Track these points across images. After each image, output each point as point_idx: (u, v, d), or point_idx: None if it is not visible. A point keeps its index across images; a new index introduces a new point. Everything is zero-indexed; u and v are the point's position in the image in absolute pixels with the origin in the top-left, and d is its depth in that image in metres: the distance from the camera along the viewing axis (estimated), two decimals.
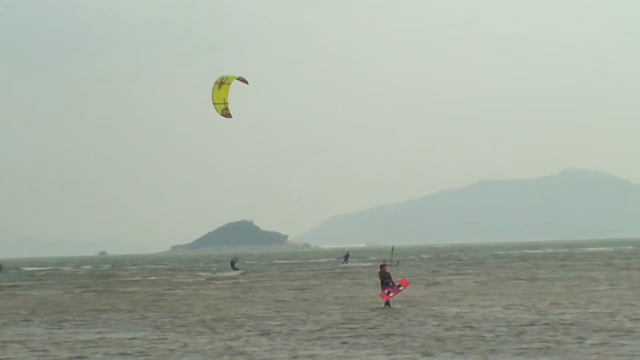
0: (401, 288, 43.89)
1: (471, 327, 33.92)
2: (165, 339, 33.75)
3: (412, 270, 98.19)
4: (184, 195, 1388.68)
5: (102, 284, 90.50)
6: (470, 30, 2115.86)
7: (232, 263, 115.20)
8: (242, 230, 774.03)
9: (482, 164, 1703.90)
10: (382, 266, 44.84)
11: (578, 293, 51.43)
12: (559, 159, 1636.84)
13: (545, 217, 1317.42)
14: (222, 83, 36.38)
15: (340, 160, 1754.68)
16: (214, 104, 36.32)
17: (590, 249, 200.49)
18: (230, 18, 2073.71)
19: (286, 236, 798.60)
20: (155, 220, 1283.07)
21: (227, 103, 36.27)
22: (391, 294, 43.54)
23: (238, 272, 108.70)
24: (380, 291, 44.68)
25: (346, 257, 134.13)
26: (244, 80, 36.33)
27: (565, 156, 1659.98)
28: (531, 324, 34.24)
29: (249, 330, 35.64)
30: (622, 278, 66.88)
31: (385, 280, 44.00)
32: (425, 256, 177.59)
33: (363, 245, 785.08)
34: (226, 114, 36.38)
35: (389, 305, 43.64)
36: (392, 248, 51.78)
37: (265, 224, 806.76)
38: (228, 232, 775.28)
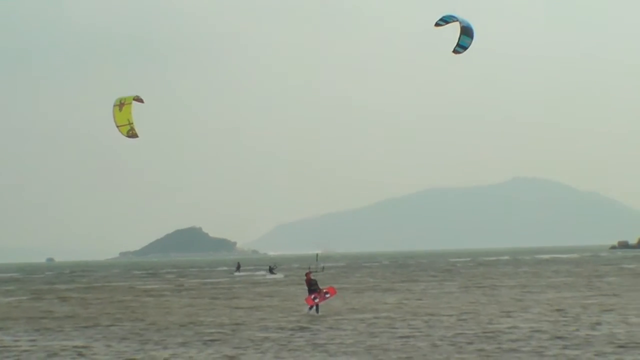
0: (328, 295, 44.92)
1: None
2: (92, 348, 31.29)
3: (368, 277, 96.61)
4: (131, 202, 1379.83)
5: (60, 290, 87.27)
6: (427, 45, 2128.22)
7: (271, 269, 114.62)
8: (190, 237, 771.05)
9: (430, 172, 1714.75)
10: (307, 273, 45.46)
11: (513, 302, 49.39)
12: (508, 167, 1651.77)
13: (494, 224, 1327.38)
14: (122, 104, 35.37)
15: (289, 168, 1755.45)
16: (117, 126, 35.22)
17: (545, 257, 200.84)
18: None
19: (235, 243, 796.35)
20: (102, 227, 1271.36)
21: (132, 123, 35.17)
22: (317, 300, 44.38)
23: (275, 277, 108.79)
24: (307, 296, 45.38)
25: (238, 266, 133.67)
26: (140, 100, 35.50)
27: (514, 164, 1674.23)
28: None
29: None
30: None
31: (312, 287, 44.78)
32: (386, 262, 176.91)
33: (319, 252, 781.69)
34: (132, 134, 35.29)
35: (317, 311, 44.13)
36: (317, 255, 53.08)
37: (214, 231, 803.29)
38: (177, 238, 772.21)
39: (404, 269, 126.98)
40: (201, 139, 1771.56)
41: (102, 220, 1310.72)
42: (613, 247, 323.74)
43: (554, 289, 62.12)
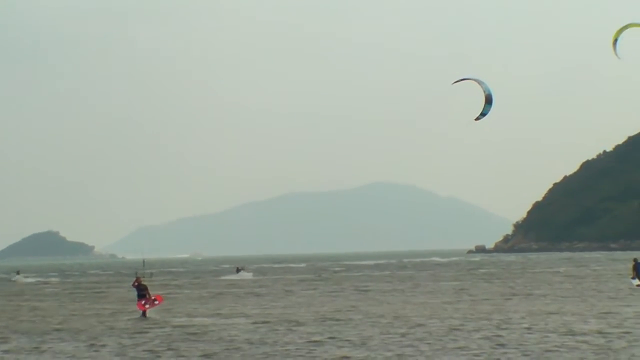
0: (156, 302, 46.67)
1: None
2: None
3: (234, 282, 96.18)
4: None
5: None
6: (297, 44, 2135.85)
7: (238, 269, 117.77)
8: (47, 241, 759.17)
9: (288, 176, 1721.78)
10: (137, 278, 47.04)
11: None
12: (366, 172, 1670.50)
13: (353, 229, 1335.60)
14: None
15: (148, 171, 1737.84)
16: None
17: (412, 260, 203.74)
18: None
19: (92, 247, 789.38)
20: None
21: None
22: (147, 305, 45.99)
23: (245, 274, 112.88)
24: (137, 301, 46.94)
25: (17, 272, 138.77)
26: None
27: (372, 169, 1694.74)
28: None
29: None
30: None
31: (142, 292, 46.40)
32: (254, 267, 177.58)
33: (186, 255, 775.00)
34: None
35: (145, 316, 45.44)
36: (144, 261, 54.12)
37: (72, 235, 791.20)
38: (33, 242, 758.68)
39: (272, 275, 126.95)
40: (57, 140, 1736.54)
41: None
42: (470, 252, 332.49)
43: (419, 294, 62.94)
